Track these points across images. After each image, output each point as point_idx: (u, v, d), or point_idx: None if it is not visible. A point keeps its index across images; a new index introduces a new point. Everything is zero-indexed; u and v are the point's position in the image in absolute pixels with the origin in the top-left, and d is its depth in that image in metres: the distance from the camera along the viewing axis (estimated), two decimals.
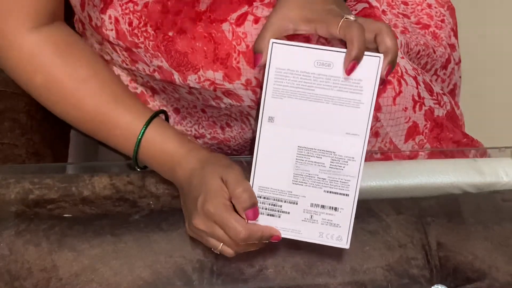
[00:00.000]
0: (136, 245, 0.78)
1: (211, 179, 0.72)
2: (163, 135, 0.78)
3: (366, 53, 0.70)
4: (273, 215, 0.74)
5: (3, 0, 0.73)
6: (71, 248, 0.77)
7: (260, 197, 0.74)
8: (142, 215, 0.80)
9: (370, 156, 0.87)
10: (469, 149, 0.91)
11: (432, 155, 0.88)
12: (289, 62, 0.71)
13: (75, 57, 0.77)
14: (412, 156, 0.87)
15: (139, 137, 0.77)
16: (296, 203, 0.74)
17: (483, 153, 0.92)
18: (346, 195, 0.73)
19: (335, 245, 0.74)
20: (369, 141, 0.83)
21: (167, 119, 0.83)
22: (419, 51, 0.92)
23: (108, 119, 0.77)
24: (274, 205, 0.74)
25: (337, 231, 0.73)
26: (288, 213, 0.74)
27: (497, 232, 0.80)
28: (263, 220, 0.74)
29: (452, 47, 0.98)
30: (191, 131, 0.92)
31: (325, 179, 0.73)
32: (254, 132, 0.84)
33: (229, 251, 0.73)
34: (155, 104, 0.91)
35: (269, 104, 0.72)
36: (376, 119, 0.85)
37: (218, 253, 0.74)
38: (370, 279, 0.77)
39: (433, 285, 0.77)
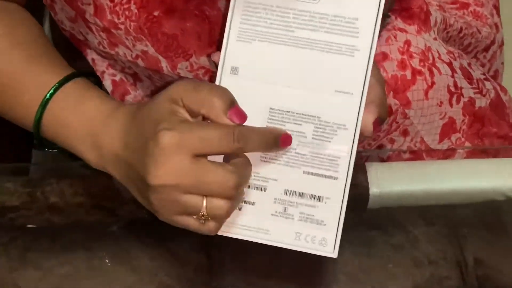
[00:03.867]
0: (114, 262, 0.74)
1: (157, 106, 0.61)
2: (80, 96, 0.68)
3: None
4: None
5: None
6: (36, 266, 0.74)
7: None
8: (121, 225, 0.76)
9: (397, 155, 0.82)
10: None
11: (472, 154, 0.83)
12: None
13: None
14: (447, 155, 0.82)
15: (46, 97, 0.68)
16: (265, 190, 0.64)
17: None
18: (335, 178, 0.63)
19: (318, 252, 0.63)
20: (395, 140, 0.83)
21: (100, 85, 0.74)
22: (461, 28, 0.87)
23: (15, 82, 0.70)
24: None
25: (320, 231, 0.63)
26: (253, 203, 0.64)
27: None
28: None
29: (496, 27, 0.93)
30: None
31: (305, 155, 0.63)
32: None
33: (218, 204, 0.60)
34: (137, 93, 0.86)
35: (233, 50, 0.64)
36: (404, 116, 0.80)
37: (203, 221, 0.61)
38: None
39: None
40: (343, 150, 0.63)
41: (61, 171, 0.76)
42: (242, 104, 0.62)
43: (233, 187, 0.59)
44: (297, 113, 0.64)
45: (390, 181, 0.75)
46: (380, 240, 0.76)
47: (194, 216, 0.61)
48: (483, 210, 0.78)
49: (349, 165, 0.63)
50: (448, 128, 0.83)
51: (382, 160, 0.81)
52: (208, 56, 0.76)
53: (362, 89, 0.63)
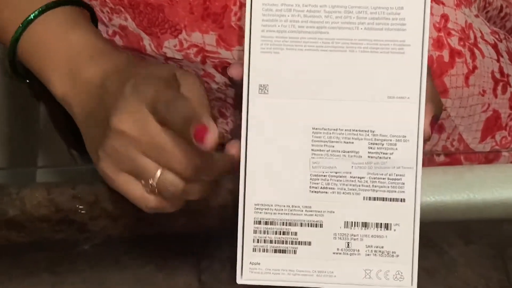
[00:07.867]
0: None
1: (158, 66, 0.63)
2: (71, 24, 0.67)
3: None
4: (284, 251, 0.60)
5: None
6: None
7: (260, 223, 0.59)
8: (95, 244, 0.69)
9: (428, 159, 0.75)
10: None
11: None
12: None
13: None
14: (491, 159, 0.77)
15: (30, 17, 0.66)
16: (321, 225, 0.60)
17: None
18: (401, 200, 0.59)
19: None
20: None
21: (95, 23, 0.73)
22: (501, 7, 0.80)
23: None
24: (284, 233, 0.60)
25: (393, 264, 0.60)
26: (309, 243, 0.60)
27: None
28: (267, 262, 0.59)
29: None
30: None
31: (363, 177, 0.59)
32: (237, 118, 0.71)
33: (172, 180, 0.58)
34: None
35: (258, 65, 0.59)
36: None
37: (148, 191, 0.59)
38: None
39: None
40: (406, 165, 0.59)
41: (22, 178, 0.74)
42: (279, 127, 0.59)
43: (193, 169, 0.57)
44: (346, 130, 0.59)
45: (422, 191, 0.65)
46: None
47: (143, 182, 0.58)
48: None
49: (416, 182, 0.59)
50: (492, 124, 0.77)
51: None
52: (224, 68, 0.72)
53: (419, 90, 0.59)
